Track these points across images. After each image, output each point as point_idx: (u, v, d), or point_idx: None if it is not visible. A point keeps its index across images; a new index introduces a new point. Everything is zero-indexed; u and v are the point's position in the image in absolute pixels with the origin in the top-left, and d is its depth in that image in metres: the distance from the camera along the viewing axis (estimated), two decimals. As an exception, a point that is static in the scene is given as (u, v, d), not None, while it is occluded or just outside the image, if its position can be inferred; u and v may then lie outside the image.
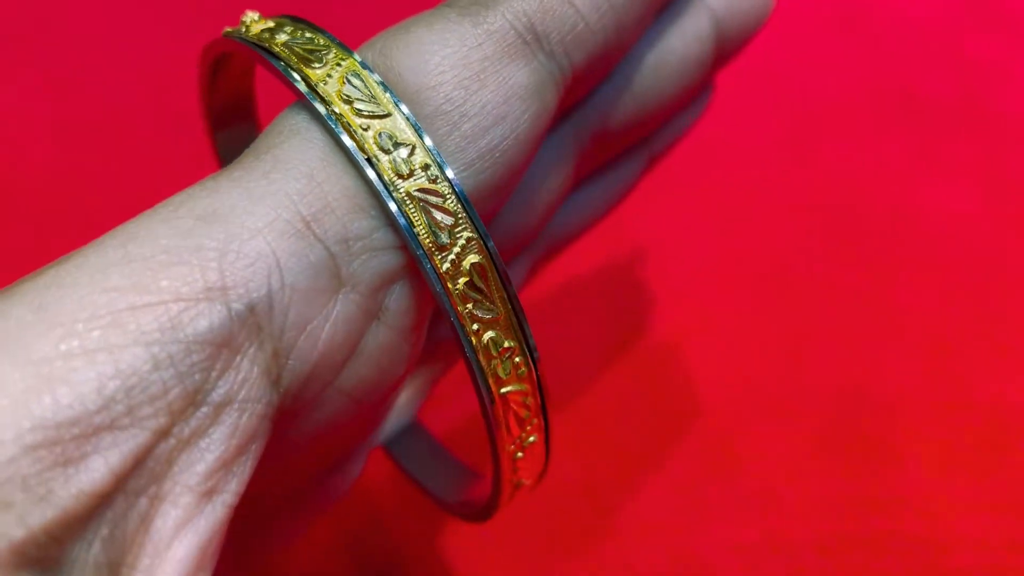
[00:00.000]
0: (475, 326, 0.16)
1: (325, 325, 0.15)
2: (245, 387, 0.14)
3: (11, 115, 0.33)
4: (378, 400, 0.17)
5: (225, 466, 0.14)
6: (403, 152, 0.16)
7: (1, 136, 0.32)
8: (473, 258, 0.16)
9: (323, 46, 0.17)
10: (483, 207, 0.17)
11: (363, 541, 0.26)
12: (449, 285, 0.16)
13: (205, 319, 0.14)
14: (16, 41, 0.34)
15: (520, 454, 0.18)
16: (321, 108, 0.16)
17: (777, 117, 0.25)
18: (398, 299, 0.16)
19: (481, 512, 0.21)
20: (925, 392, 0.28)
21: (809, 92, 0.35)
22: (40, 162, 0.32)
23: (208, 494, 0.14)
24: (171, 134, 0.32)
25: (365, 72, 0.16)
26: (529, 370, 0.17)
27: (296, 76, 0.16)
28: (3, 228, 0.30)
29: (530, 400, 0.18)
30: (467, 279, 0.16)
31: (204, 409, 0.14)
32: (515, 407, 0.17)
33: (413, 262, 0.16)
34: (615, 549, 0.26)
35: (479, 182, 0.17)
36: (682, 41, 0.20)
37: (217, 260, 0.14)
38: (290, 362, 0.15)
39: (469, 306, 0.16)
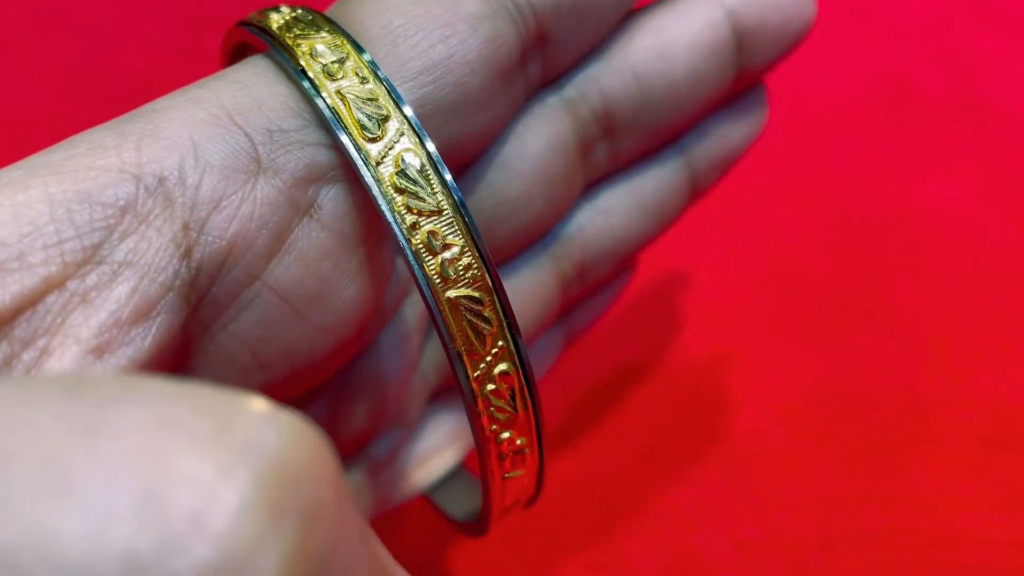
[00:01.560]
0: (409, 218, 0.16)
1: (241, 204, 0.15)
2: (149, 253, 0.14)
3: (12, 115, 0.33)
4: (338, 331, 0.17)
5: (119, 326, 0.14)
6: (336, 58, 0.16)
7: (1, 135, 0.32)
8: (405, 146, 0.16)
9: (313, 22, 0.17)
10: (435, 127, 0.17)
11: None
12: (380, 171, 0.16)
13: (112, 188, 0.14)
14: (17, 39, 0.34)
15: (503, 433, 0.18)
16: (269, 39, 0.17)
17: (775, 113, 0.25)
18: (334, 200, 0.16)
19: (476, 527, 0.20)
20: (926, 388, 0.28)
21: (807, 88, 0.35)
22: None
23: (97, 352, 0.14)
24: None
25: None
26: (482, 273, 0.16)
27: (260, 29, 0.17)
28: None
29: (489, 313, 0.17)
30: (398, 168, 0.16)
31: (103, 268, 0.14)
32: (470, 317, 0.16)
33: (347, 163, 0.16)
34: (616, 546, 0.26)
35: (423, 95, 0.17)
36: (688, 26, 0.20)
37: (135, 143, 0.15)
38: (203, 237, 0.15)
39: (401, 198, 0.16)
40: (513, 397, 0.17)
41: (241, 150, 0.16)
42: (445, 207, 0.16)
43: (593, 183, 0.22)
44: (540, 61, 0.19)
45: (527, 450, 0.17)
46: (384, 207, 0.16)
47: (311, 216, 0.16)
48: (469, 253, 0.16)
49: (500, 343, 0.17)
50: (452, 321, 0.16)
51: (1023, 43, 0.37)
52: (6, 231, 0.14)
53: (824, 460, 0.27)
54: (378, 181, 0.16)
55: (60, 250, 0.14)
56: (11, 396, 0.10)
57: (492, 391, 0.17)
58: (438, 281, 0.16)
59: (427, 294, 0.16)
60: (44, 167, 0.14)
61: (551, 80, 0.20)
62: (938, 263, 0.31)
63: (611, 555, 0.25)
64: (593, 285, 0.23)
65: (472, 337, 0.16)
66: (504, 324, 0.17)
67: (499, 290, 0.16)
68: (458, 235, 0.16)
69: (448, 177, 0.16)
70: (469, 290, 0.16)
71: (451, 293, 0.16)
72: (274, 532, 0.10)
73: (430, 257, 0.16)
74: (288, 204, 0.16)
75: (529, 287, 0.21)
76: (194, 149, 0.15)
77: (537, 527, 0.26)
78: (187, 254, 0.15)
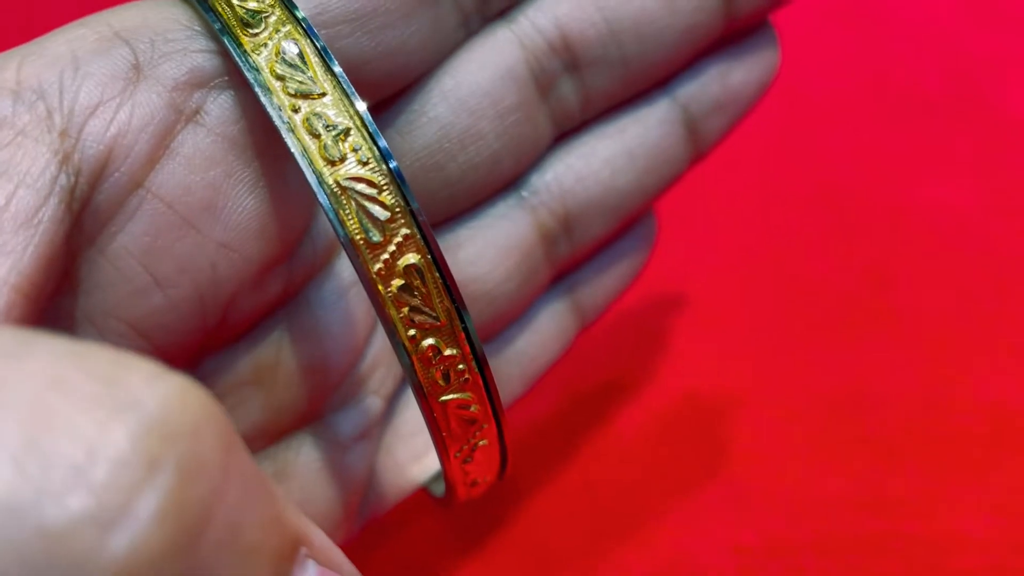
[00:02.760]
0: (289, 101, 0.15)
1: (119, 109, 0.15)
2: (25, 162, 0.14)
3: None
4: (243, 250, 0.17)
5: None
6: None
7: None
8: (285, 35, 0.16)
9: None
10: (338, 39, 0.17)
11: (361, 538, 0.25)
12: (258, 59, 0.15)
13: None
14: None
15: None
16: None
17: (775, 113, 0.25)
18: (221, 106, 0.16)
19: (443, 500, 0.20)
20: (924, 391, 0.28)
21: (806, 88, 0.35)
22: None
23: None
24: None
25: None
26: (374, 158, 0.15)
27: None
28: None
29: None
30: (277, 56, 0.16)
31: None
32: (362, 201, 0.15)
33: (235, 69, 0.16)
34: (612, 550, 0.25)
35: (322, 3, 0.17)
36: None
37: (17, 63, 0.15)
38: (80, 143, 0.15)
39: (280, 84, 0.15)
40: (430, 297, 0.16)
41: (122, 59, 0.15)
42: (328, 89, 0.16)
43: (572, 131, 0.21)
44: None
45: (467, 375, 0.16)
46: (257, 88, 0.15)
47: (196, 122, 0.16)
48: (357, 134, 0.15)
49: (404, 231, 0.15)
50: (341, 208, 0.15)
51: (1024, 43, 0.36)
52: None
53: (821, 463, 0.27)
54: (256, 69, 0.15)
55: None
56: None
57: (401, 287, 0.15)
58: (323, 164, 0.15)
59: (307, 172, 0.15)
60: None
61: (500, 14, 0.20)
62: (938, 264, 0.31)
63: (608, 561, 0.25)
64: (592, 246, 0.22)
65: (367, 224, 0.15)
66: (408, 210, 0.15)
67: (400, 180, 0.15)
68: (345, 117, 0.15)
69: (337, 69, 0.16)
70: (363, 171, 0.15)
71: (341, 174, 0.15)
72: (150, 483, 0.10)
73: (311, 140, 0.15)
74: (169, 108, 0.16)
75: (499, 237, 0.21)
76: (74, 63, 0.15)
77: (534, 533, 0.26)
78: (65, 160, 0.15)
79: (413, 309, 0.15)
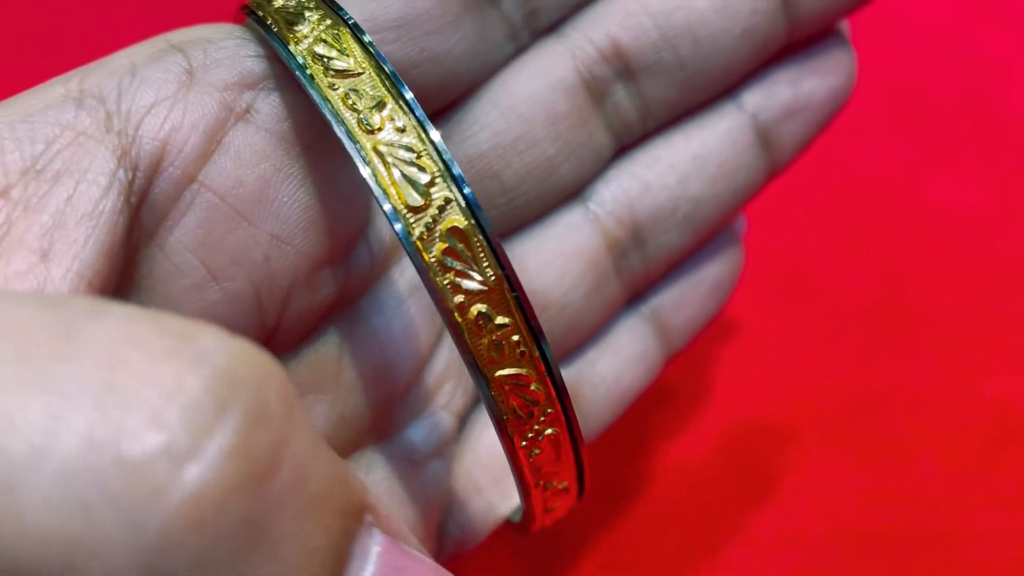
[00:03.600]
0: (335, 91, 0.16)
1: (173, 107, 0.16)
2: (86, 160, 0.15)
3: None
4: (295, 241, 0.17)
5: (61, 227, 0.14)
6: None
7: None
8: (325, 30, 0.16)
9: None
10: (384, 47, 0.18)
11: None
12: (302, 57, 0.16)
13: (53, 109, 0.15)
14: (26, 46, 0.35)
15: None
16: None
17: None
18: (271, 104, 0.17)
19: (520, 527, 0.19)
20: (935, 388, 0.28)
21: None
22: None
23: (42, 254, 0.14)
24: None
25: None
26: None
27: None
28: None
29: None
30: (316, 45, 0.16)
31: (43, 175, 0.15)
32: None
33: (284, 68, 0.17)
34: (625, 543, 0.25)
35: (368, 11, 0.18)
36: None
37: (80, 76, 0.16)
38: (137, 140, 0.15)
39: (338, 89, 0.16)
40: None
41: (176, 64, 0.16)
42: (367, 67, 0.16)
43: (636, 141, 0.21)
44: None
45: (540, 391, 0.16)
46: (305, 82, 0.16)
47: (247, 120, 0.17)
48: (394, 104, 0.16)
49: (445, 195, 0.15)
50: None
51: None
52: None
53: (834, 459, 0.27)
54: (304, 66, 0.16)
55: (2, 161, 0.15)
56: None
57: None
58: (362, 133, 0.16)
59: (347, 141, 0.15)
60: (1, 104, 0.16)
61: (550, 28, 0.20)
62: (949, 262, 0.31)
63: (619, 552, 0.25)
64: (668, 260, 0.22)
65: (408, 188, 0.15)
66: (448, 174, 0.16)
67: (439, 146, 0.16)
68: (380, 89, 0.16)
69: (378, 53, 0.16)
70: (402, 137, 0.16)
71: (380, 139, 0.15)
72: (220, 425, 0.11)
73: (350, 113, 0.16)
74: (220, 106, 0.16)
75: (564, 247, 0.20)
76: (132, 70, 0.16)
77: (549, 527, 0.25)
78: (123, 157, 0.15)
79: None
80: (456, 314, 0.15)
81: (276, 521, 0.11)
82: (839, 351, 0.29)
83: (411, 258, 0.15)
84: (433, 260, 0.15)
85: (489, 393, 0.16)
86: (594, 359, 0.22)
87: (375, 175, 0.15)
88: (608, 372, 0.22)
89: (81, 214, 0.15)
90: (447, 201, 0.15)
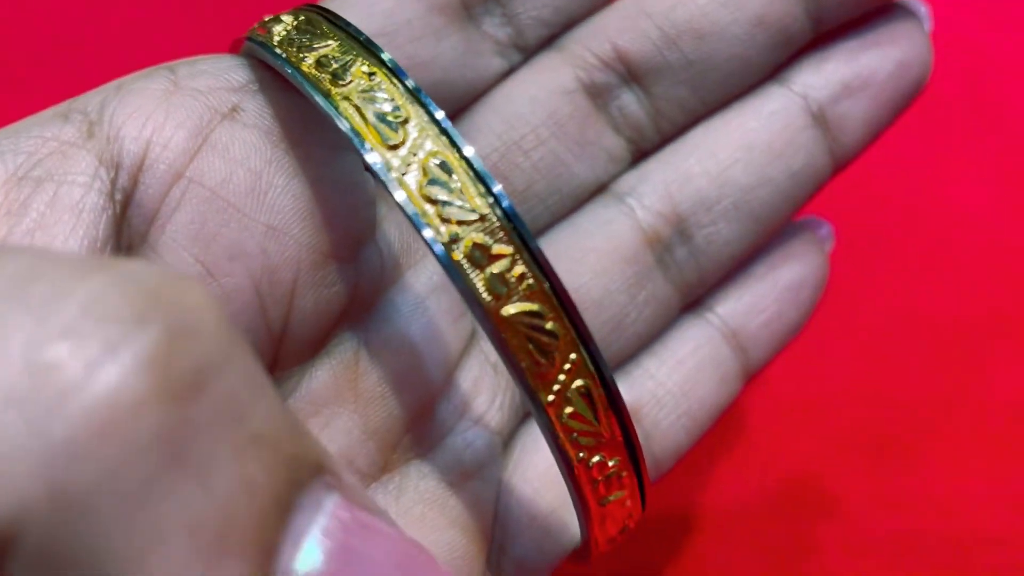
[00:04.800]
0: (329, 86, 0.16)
1: (155, 110, 0.16)
2: (67, 164, 0.15)
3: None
4: (292, 231, 0.17)
5: (41, 227, 0.15)
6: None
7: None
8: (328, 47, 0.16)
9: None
10: None
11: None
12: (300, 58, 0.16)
13: (38, 125, 0.16)
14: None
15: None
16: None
17: None
18: (257, 103, 0.17)
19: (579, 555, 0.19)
20: (944, 390, 0.28)
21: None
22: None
23: None
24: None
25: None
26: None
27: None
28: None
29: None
30: (317, 58, 0.16)
31: (25, 182, 0.15)
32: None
33: (268, 72, 0.17)
34: (634, 548, 0.25)
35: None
36: None
37: (71, 99, 0.16)
38: (118, 142, 0.16)
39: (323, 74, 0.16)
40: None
41: (162, 78, 0.17)
42: (340, 37, 0.16)
43: (659, 142, 0.20)
44: (498, 11, 0.19)
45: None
46: (295, 75, 0.16)
47: (233, 118, 0.17)
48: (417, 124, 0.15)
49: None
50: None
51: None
52: None
53: (843, 463, 0.27)
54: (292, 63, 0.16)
55: None
56: None
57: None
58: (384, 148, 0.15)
59: (358, 143, 0.15)
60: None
61: (548, 42, 0.20)
62: (956, 264, 0.31)
63: (628, 558, 0.25)
64: (725, 256, 0.20)
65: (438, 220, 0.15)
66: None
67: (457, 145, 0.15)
68: (398, 96, 0.16)
69: (386, 56, 0.16)
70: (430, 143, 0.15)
71: (409, 180, 0.15)
72: (137, 336, 0.10)
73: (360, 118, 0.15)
74: (205, 107, 0.16)
75: (594, 241, 0.20)
76: (118, 86, 0.16)
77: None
78: (104, 156, 0.16)
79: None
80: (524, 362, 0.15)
81: (200, 444, 0.10)
82: (848, 353, 0.29)
83: (401, 209, 0.15)
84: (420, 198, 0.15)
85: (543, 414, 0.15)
86: (652, 369, 0.20)
87: (349, 121, 0.15)
88: (672, 384, 0.20)
89: (62, 212, 0.15)
90: (421, 131, 0.15)
